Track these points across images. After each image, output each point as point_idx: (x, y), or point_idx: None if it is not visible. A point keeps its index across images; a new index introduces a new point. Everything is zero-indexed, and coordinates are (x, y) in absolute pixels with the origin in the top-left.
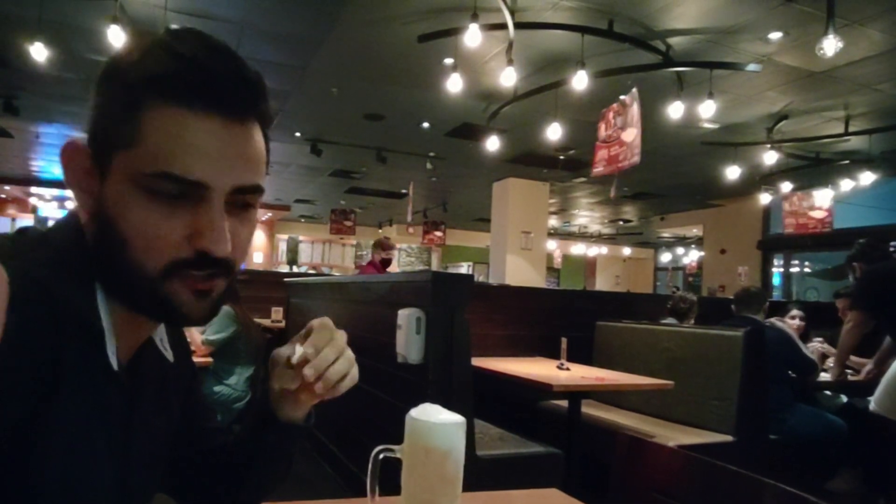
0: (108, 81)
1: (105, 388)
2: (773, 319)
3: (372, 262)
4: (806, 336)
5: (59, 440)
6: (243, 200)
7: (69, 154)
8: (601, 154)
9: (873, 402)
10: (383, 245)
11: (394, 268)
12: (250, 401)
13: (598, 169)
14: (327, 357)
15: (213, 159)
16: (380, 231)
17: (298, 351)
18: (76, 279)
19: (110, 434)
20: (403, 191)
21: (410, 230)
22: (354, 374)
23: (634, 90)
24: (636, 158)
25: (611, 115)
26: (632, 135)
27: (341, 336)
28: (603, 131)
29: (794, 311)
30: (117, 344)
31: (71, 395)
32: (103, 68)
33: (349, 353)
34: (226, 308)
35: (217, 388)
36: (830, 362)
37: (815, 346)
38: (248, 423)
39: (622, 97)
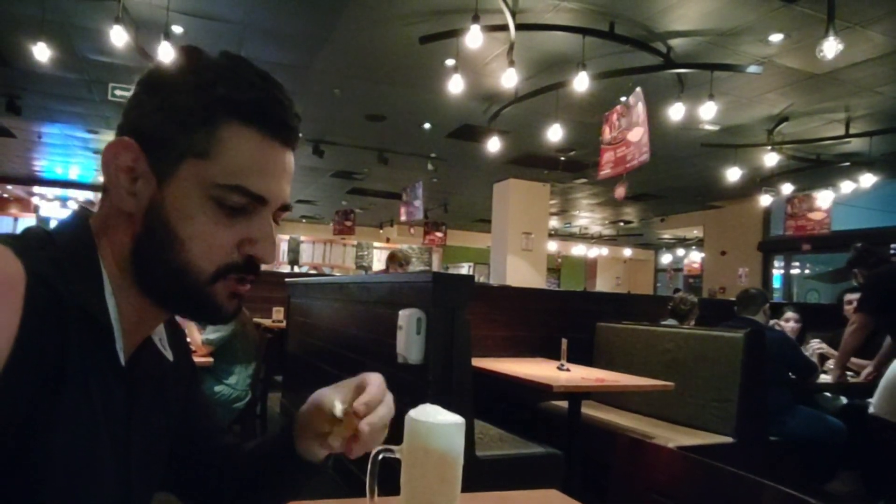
0: (177, 92)
1: (111, 385)
2: (772, 322)
3: (385, 271)
4: (801, 338)
5: (65, 434)
6: (277, 216)
7: (117, 152)
8: (607, 156)
9: (873, 405)
10: (399, 260)
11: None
12: (250, 402)
13: (606, 171)
14: (383, 416)
15: (274, 179)
16: (381, 231)
17: (339, 412)
18: (83, 276)
19: (113, 431)
20: (404, 193)
21: (411, 230)
22: (383, 437)
23: (639, 89)
24: (645, 156)
25: (614, 117)
26: (638, 133)
27: (390, 398)
28: (607, 134)
29: (789, 314)
30: (122, 341)
31: (77, 390)
32: (160, 75)
33: (389, 415)
34: None
35: (217, 388)
36: (830, 364)
37: (814, 348)
38: (265, 446)
39: (623, 98)
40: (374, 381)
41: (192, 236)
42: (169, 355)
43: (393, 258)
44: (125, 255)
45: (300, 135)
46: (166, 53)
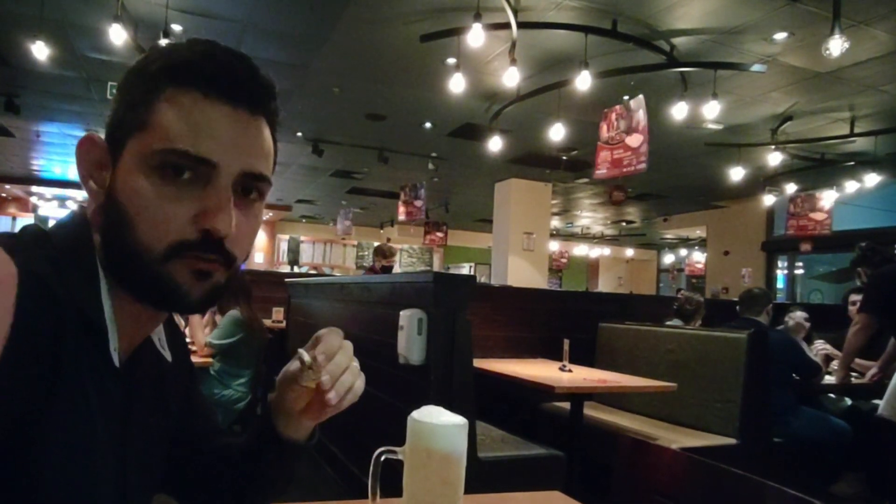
0: (129, 77)
1: (106, 385)
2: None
3: (372, 268)
4: (808, 338)
5: (61, 436)
6: (251, 186)
7: (84, 148)
8: (604, 155)
9: (882, 407)
10: (384, 252)
11: (395, 269)
12: (250, 402)
13: (602, 171)
14: (341, 363)
15: (222, 141)
16: (381, 231)
17: (307, 357)
18: (79, 275)
19: (110, 431)
20: (401, 192)
21: (411, 231)
22: (359, 386)
23: (640, 97)
24: (643, 166)
25: (613, 116)
26: (637, 141)
27: (349, 346)
28: (605, 132)
29: (798, 314)
30: (118, 342)
31: (72, 390)
32: (128, 70)
33: (356, 365)
34: (233, 313)
35: (217, 390)
36: (835, 364)
37: (818, 349)
38: (250, 437)
39: (626, 98)
40: (324, 332)
41: (139, 212)
42: (168, 356)
43: (377, 251)
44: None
45: (273, 102)
46: None
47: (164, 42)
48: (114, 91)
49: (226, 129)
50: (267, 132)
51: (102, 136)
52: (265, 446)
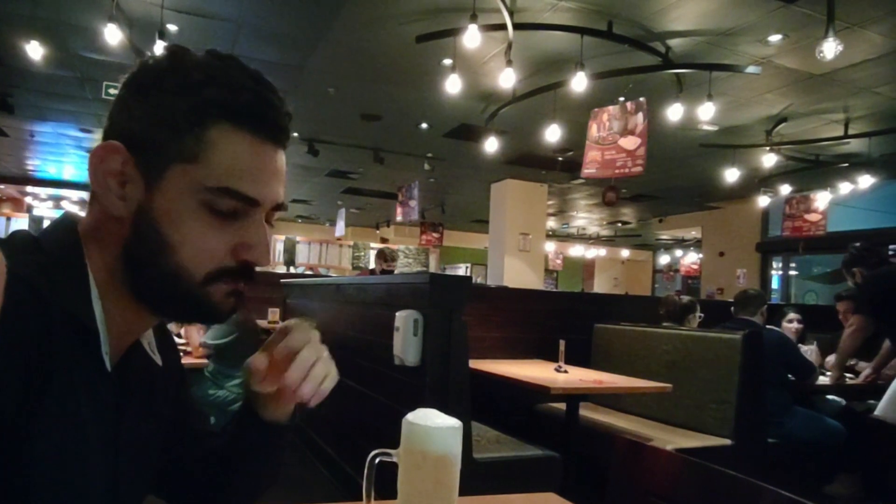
0: (164, 93)
1: (97, 388)
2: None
3: (372, 270)
4: (803, 339)
5: (51, 439)
6: (270, 217)
7: (105, 156)
8: (593, 155)
9: (878, 409)
10: (385, 256)
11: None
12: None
13: (590, 171)
14: (307, 359)
15: (265, 179)
16: (377, 232)
17: (255, 365)
18: (69, 279)
19: (101, 434)
20: (398, 193)
21: (407, 231)
22: (334, 373)
23: (642, 100)
24: (639, 169)
25: (605, 116)
26: (633, 143)
27: (316, 336)
28: (595, 132)
29: (791, 315)
30: (109, 345)
31: (63, 393)
32: (146, 76)
33: (326, 354)
34: None
35: (212, 391)
36: (830, 359)
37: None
38: (233, 424)
39: (621, 99)
40: (290, 324)
41: (183, 241)
42: (158, 360)
43: (380, 255)
44: (115, 260)
45: (292, 134)
46: (158, 51)
47: (163, 46)
48: (110, 91)
49: (270, 170)
50: (284, 160)
51: (99, 135)
52: (247, 429)
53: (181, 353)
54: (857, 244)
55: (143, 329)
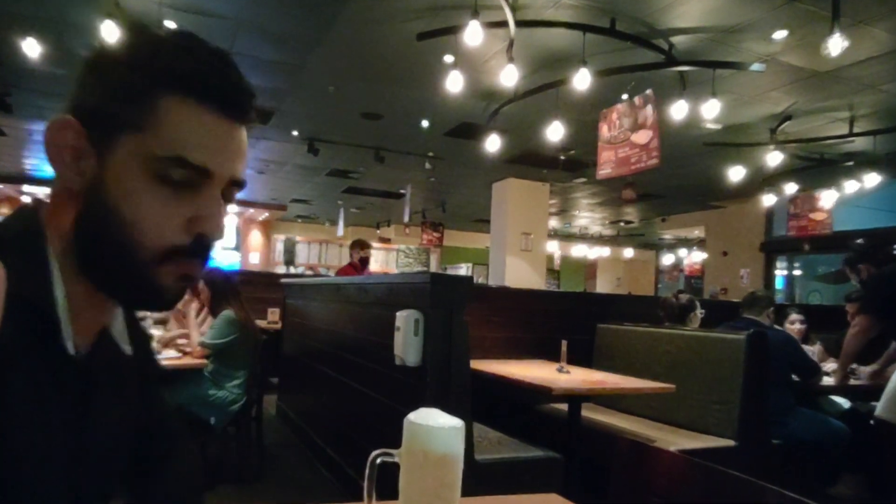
0: (117, 66)
1: (61, 375)
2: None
3: (351, 263)
4: (806, 339)
5: (9, 430)
6: (229, 193)
7: (58, 130)
8: (606, 155)
9: (878, 409)
10: (362, 244)
11: (392, 269)
12: (245, 403)
13: (606, 171)
14: None
15: (219, 152)
16: (378, 231)
17: None
18: (27, 266)
19: (65, 422)
20: (402, 191)
21: (407, 231)
22: None
23: (649, 91)
24: (654, 161)
25: (614, 115)
26: (646, 136)
27: None
28: (606, 132)
29: (794, 316)
30: (74, 331)
31: (23, 382)
32: (102, 53)
33: None
34: (227, 313)
35: (212, 391)
36: (832, 365)
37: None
38: None
39: (625, 96)
40: None
41: (135, 214)
42: (127, 349)
43: (354, 244)
44: (69, 237)
45: (253, 111)
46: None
47: (155, 36)
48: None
49: (221, 141)
50: (246, 138)
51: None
52: None
53: (180, 354)
54: (860, 240)
55: (110, 313)
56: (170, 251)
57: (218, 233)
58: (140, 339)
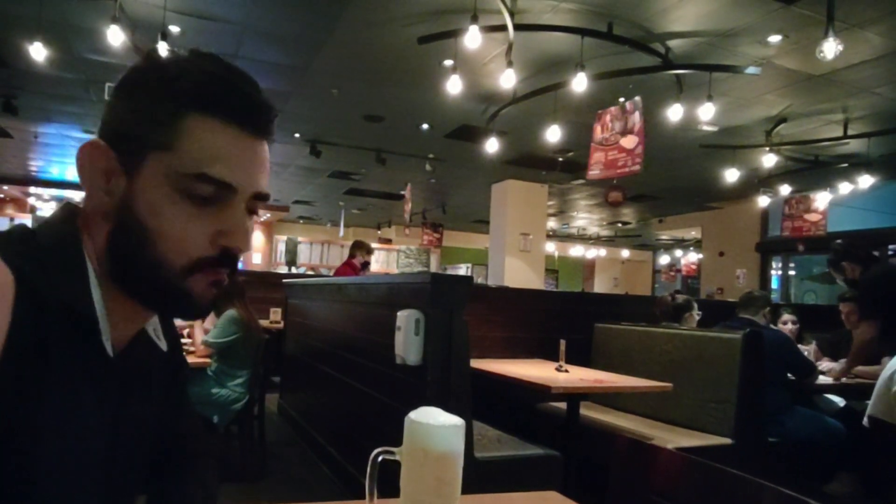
0: (143, 90)
1: (100, 377)
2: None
3: (350, 262)
4: (800, 339)
5: (51, 432)
6: (253, 206)
7: (89, 153)
8: (597, 156)
9: (870, 407)
10: (367, 248)
11: (393, 269)
12: (248, 402)
13: (595, 172)
14: None
15: (242, 167)
16: (378, 232)
17: None
18: (66, 271)
19: (102, 423)
20: (402, 192)
21: (407, 231)
22: None
23: (637, 99)
24: (637, 167)
25: (608, 117)
26: (632, 142)
27: None
28: (599, 133)
29: (786, 316)
30: (112, 332)
31: (64, 387)
32: (128, 79)
33: None
34: (230, 312)
35: (215, 390)
36: (828, 364)
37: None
38: None
39: (621, 100)
40: None
41: (163, 230)
42: (163, 345)
43: (357, 246)
44: (103, 253)
45: (273, 126)
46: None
47: (165, 49)
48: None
49: (245, 156)
50: (267, 152)
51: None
52: None
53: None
54: (839, 241)
55: (147, 316)
56: (196, 263)
57: (245, 246)
58: (173, 335)
